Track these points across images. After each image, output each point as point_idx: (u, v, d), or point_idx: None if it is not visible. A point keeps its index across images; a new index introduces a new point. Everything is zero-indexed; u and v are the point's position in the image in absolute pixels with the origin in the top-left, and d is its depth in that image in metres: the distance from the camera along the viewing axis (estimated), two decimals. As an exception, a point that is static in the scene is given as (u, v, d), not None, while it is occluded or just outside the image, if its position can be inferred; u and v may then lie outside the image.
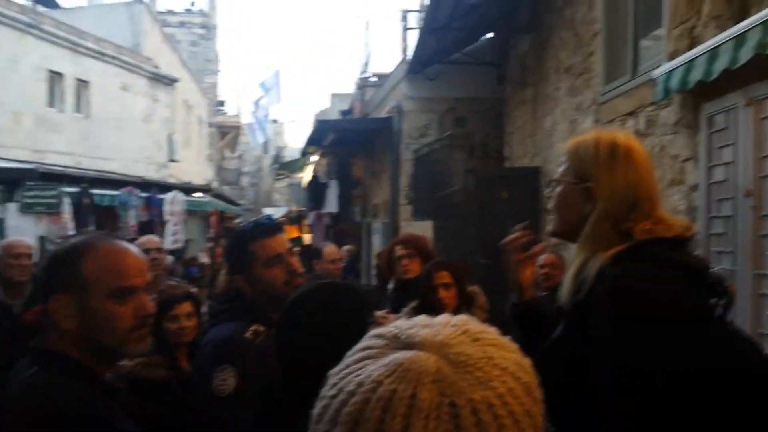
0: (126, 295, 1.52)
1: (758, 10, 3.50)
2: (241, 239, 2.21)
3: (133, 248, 1.61)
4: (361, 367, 0.69)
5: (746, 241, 3.54)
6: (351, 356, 0.73)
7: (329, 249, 4.97)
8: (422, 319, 0.76)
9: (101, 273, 1.50)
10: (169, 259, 8.35)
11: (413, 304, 3.30)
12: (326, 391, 0.70)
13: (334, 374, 0.72)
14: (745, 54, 3.31)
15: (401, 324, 0.75)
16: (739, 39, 3.41)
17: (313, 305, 1.44)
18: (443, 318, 0.75)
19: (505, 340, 0.74)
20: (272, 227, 2.21)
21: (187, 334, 3.00)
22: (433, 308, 3.14)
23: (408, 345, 0.70)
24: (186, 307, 3.08)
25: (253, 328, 1.98)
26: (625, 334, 1.35)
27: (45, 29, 13.73)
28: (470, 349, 0.70)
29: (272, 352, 1.76)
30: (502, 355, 0.71)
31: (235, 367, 1.87)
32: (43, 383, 1.44)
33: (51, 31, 13.93)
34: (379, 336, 0.74)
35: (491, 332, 0.74)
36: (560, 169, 1.68)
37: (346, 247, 11.48)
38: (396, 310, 3.62)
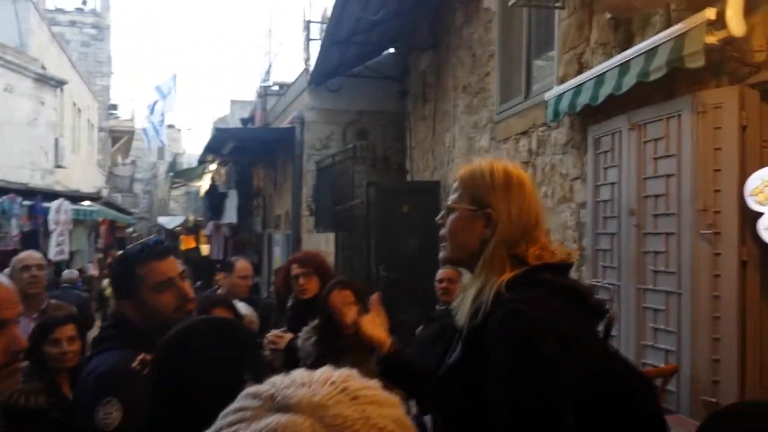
0: (4, 325, 1.40)
1: (642, 40, 3.75)
2: (128, 262, 2.08)
3: (3, 279, 1.49)
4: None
5: (630, 257, 3.75)
6: (224, 418, 0.68)
7: (241, 264, 4.85)
8: (301, 374, 0.72)
9: None
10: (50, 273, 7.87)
11: (314, 323, 3.25)
12: None
13: None
14: (629, 81, 3.53)
15: (279, 381, 0.71)
16: (624, 66, 3.63)
17: (192, 342, 1.37)
18: (324, 373, 0.72)
19: (386, 396, 0.71)
20: (162, 250, 2.10)
21: (69, 359, 2.83)
22: (334, 328, 3.12)
23: (284, 407, 0.67)
24: (68, 330, 2.90)
25: (140, 357, 1.87)
26: (522, 356, 1.39)
27: None
28: (347, 410, 0.67)
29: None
30: (380, 413, 0.68)
31: (120, 400, 1.76)
32: None
33: (-77, 25, 12.89)
34: (255, 395, 0.69)
35: (372, 387, 0.72)
36: (453, 196, 1.71)
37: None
38: (293, 329, 3.56)
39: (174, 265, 2.09)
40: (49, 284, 4.81)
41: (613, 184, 3.96)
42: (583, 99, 3.99)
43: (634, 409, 1.51)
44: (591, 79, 3.97)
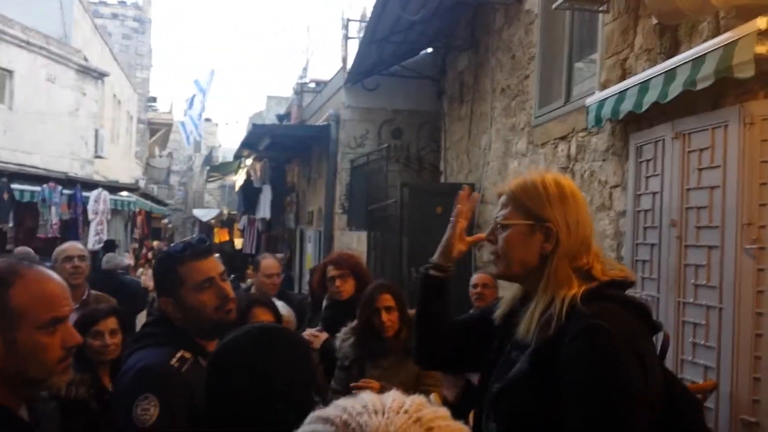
0: (55, 325, 1.45)
1: (688, 47, 3.67)
2: (170, 260, 2.11)
3: (55, 275, 1.53)
4: None
5: (670, 269, 3.68)
6: None
7: (267, 262, 4.78)
8: (371, 399, 0.72)
9: (31, 304, 1.42)
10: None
11: (352, 324, 3.27)
12: None
13: None
14: (675, 89, 3.45)
15: (350, 406, 0.71)
16: (670, 74, 3.56)
17: (245, 349, 1.38)
18: (395, 400, 0.72)
19: (458, 426, 0.71)
20: (204, 249, 2.11)
21: (110, 352, 2.88)
22: (374, 330, 3.13)
23: None
24: (110, 322, 2.96)
25: (179, 354, 1.90)
26: (604, 371, 1.40)
27: (-34, 14, 13.04)
28: None
29: (199, 381, 1.70)
30: None
31: (158, 397, 1.79)
32: None
33: (-27, 16, 13.24)
34: (326, 420, 0.69)
35: (444, 417, 0.71)
36: (502, 212, 1.68)
37: (278, 256, 11.33)
38: (328, 329, 3.59)
39: (215, 265, 2.11)
40: (92, 272, 4.87)
41: (654, 193, 3.89)
42: (627, 106, 3.92)
43: (684, 427, 1.52)
44: (635, 85, 3.89)
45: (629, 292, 1.63)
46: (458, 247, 1.86)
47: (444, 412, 0.72)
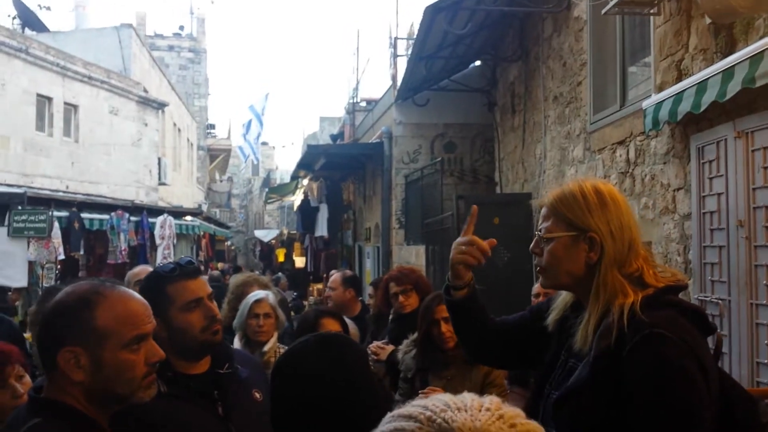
0: (139, 343, 1.52)
1: (745, 45, 3.59)
2: (159, 280, 2.08)
3: (136, 294, 1.61)
4: None
5: (740, 270, 3.58)
6: None
7: (333, 276, 5.05)
8: (450, 398, 0.74)
9: (115, 324, 1.49)
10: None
11: (413, 337, 3.30)
12: None
13: None
14: (734, 87, 3.38)
15: (430, 404, 0.73)
16: (727, 73, 3.48)
17: (308, 356, 1.41)
18: (473, 399, 0.74)
19: (535, 425, 0.73)
20: (192, 270, 2.10)
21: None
22: (434, 342, 3.15)
23: (445, 430, 0.68)
24: None
25: None
26: (668, 379, 1.40)
27: (33, 53, 13.74)
28: None
29: (155, 408, 1.67)
30: None
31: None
32: None
33: (39, 55, 13.94)
34: (410, 417, 0.71)
35: (522, 416, 0.73)
36: (545, 224, 1.67)
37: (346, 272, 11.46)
38: (394, 341, 3.64)
39: (203, 286, 2.10)
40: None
41: (719, 194, 3.80)
42: (685, 107, 3.85)
43: (740, 423, 1.51)
44: (692, 86, 3.82)
45: (688, 296, 1.62)
46: (462, 263, 1.86)
47: (520, 411, 0.74)
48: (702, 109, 3.68)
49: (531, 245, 1.72)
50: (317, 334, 1.64)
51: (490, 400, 0.74)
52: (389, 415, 0.74)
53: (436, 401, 0.74)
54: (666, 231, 4.53)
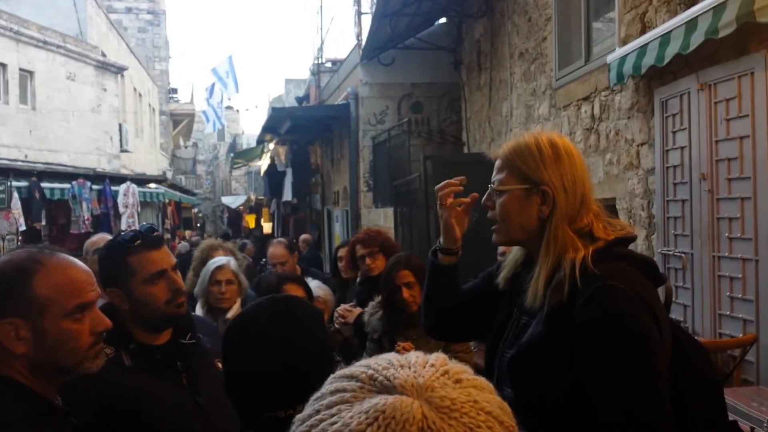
0: (82, 312, 1.45)
1: (709, -4, 3.55)
2: (120, 250, 1.95)
3: (78, 261, 1.52)
4: (335, 413, 0.63)
5: (702, 223, 3.60)
6: (320, 400, 0.66)
7: (272, 251, 4.68)
8: (394, 356, 0.71)
9: (55, 293, 1.41)
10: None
11: (378, 298, 3.28)
12: None
13: (302, 420, 0.65)
14: (697, 39, 3.35)
15: (373, 363, 0.69)
16: (691, 24, 3.45)
17: (259, 318, 1.36)
18: (419, 356, 0.71)
19: (484, 381, 0.70)
20: (156, 239, 1.99)
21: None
22: (397, 306, 3.12)
23: (387, 388, 0.65)
24: None
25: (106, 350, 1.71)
26: (622, 331, 1.38)
27: (-16, 18, 13.21)
28: (454, 393, 0.65)
29: (116, 378, 1.63)
30: (485, 397, 0.67)
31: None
32: None
33: (-9, 20, 13.40)
34: (351, 377, 0.68)
35: (469, 371, 0.70)
36: (498, 177, 1.62)
37: (303, 237, 11.39)
38: (362, 304, 3.61)
39: (167, 256, 2.00)
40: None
41: (682, 148, 3.80)
42: (648, 60, 3.82)
43: (693, 376, 1.50)
44: (656, 38, 3.79)
45: (651, 250, 1.59)
46: (459, 224, 1.79)
47: (467, 367, 0.71)
48: (666, 61, 3.65)
49: (483, 198, 1.67)
50: (272, 296, 1.59)
51: (436, 357, 0.71)
52: (332, 376, 0.71)
53: (380, 360, 0.70)
54: (630, 186, 4.54)
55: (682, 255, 3.79)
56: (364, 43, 9.78)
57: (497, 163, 1.64)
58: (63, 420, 1.45)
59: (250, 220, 26.03)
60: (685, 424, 1.45)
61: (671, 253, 3.90)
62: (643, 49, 3.93)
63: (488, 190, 1.65)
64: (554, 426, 1.45)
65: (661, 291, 1.58)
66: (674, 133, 3.91)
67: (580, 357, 1.41)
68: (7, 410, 1.35)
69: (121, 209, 13.68)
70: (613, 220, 1.60)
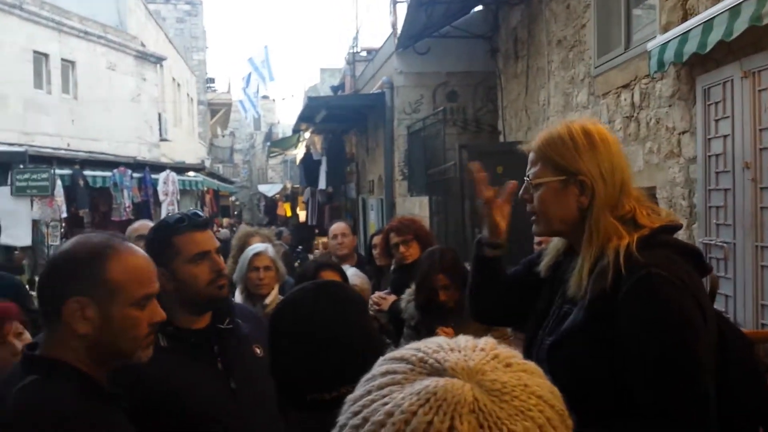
0: (147, 301, 1.49)
1: (753, -19, 3.46)
2: (167, 230, 2.03)
3: (143, 252, 1.57)
4: (386, 395, 0.64)
5: (746, 213, 3.54)
6: (371, 381, 0.68)
7: (334, 225, 4.97)
8: (444, 340, 0.72)
9: (126, 279, 1.45)
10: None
11: (414, 286, 3.29)
12: (347, 419, 0.65)
13: (354, 401, 0.67)
14: (740, 25, 3.27)
15: (423, 346, 0.70)
16: (734, 10, 3.37)
17: (303, 302, 1.39)
18: (467, 340, 0.71)
19: (534, 365, 0.71)
20: (200, 222, 2.05)
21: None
22: (434, 306, 3.12)
23: (437, 371, 0.66)
24: None
25: None
26: (667, 319, 1.38)
27: (28, 9, 13.50)
28: (505, 376, 0.66)
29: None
30: (535, 381, 0.67)
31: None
32: (47, 395, 1.38)
33: (34, 11, 13.70)
34: (402, 359, 0.69)
35: (518, 356, 0.71)
36: (533, 170, 1.61)
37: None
38: (396, 291, 3.64)
39: (211, 239, 2.06)
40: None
41: (725, 136, 3.73)
42: (690, 47, 3.74)
43: (737, 366, 1.50)
44: (698, 25, 3.71)
45: (692, 240, 1.58)
46: (501, 216, 1.79)
47: (516, 352, 0.72)
48: (708, 49, 3.58)
49: (521, 191, 1.66)
50: (315, 281, 1.62)
51: (486, 341, 0.72)
52: (382, 358, 0.72)
53: (429, 343, 0.71)
54: (671, 175, 4.47)
55: (724, 245, 3.73)
56: (399, 31, 9.76)
57: (531, 156, 1.63)
58: (115, 404, 1.49)
59: (286, 209, 26.26)
60: (728, 415, 1.44)
61: (713, 243, 3.84)
62: (684, 36, 3.85)
63: (524, 184, 1.65)
64: (592, 414, 1.45)
65: (705, 281, 1.57)
66: (717, 121, 3.83)
67: (621, 346, 1.41)
68: (62, 393, 1.39)
69: (161, 197, 13.94)
70: (657, 208, 1.59)
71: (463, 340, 0.72)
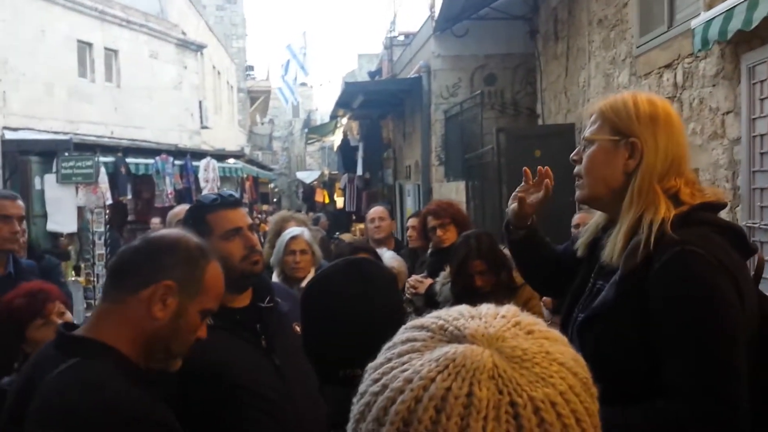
0: (207, 315, 1.55)
1: (802, -47, 3.33)
2: (200, 209, 2.12)
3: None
4: (406, 362, 0.64)
5: (791, 195, 3.43)
6: (392, 349, 0.68)
7: (372, 209, 5.04)
8: (465, 308, 0.71)
9: (212, 289, 1.52)
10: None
11: (449, 269, 3.29)
12: (367, 386, 0.65)
13: (375, 368, 0.67)
14: (790, 0, 3.16)
15: (444, 314, 0.70)
16: (783, -15, 3.26)
17: (335, 277, 1.41)
18: (489, 308, 0.71)
19: (557, 333, 0.70)
20: (232, 201, 2.13)
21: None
22: (471, 290, 3.12)
23: (457, 338, 0.65)
24: None
25: None
26: (701, 297, 1.35)
27: (72, -1, 13.77)
28: (525, 343, 0.65)
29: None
30: (557, 349, 0.66)
31: None
32: (95, 379, 1.34)
33: (78, 0, 13.96)
34: (422, 327, 0.69)
35: (542, 324, 0.70)
36: (591, 129, 1.61)
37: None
38: (433, 275, 3.64)
39: (243, 216, 2.12)
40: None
41: (771, 116, 3.61)
42: (735, 24, 3.63)
43: None
44: (743, 1, 3.59)
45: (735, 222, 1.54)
46: (520, 204, 1.87)
47: (540, 320, 0.71)
48: (753, 25, 3.46)
49: (572, 154, 1.66)
50: (346, 258, 1.63)
51: (507, 309, 0.71)
52: (403, 326, 0.73)
53: (451, 311, 0.71)
54: (714, 157, 4.36)
55: (769, 228, 3.63)
56: (437, 14, 9.67)
57: (592, 118, 1.63)
58: (157, 392, 1.47)
59: (324, 195, 26.42)
60: None
61: (757, 225, 3.74)
62: (729, 13, 3.73)
63: (579, 145, 1.65)
64: (622, 391, 1.43)
65: (751, 264, 1.53)
66: (762, 100, 3.72)
67: (652, 322, 1.39)
68: (110, 376, 1.37)
69: (202, 184, 14.13)
70: (705, 188, 1.56)
71: (485, 307, 0.71)
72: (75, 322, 2.17)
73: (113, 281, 1.50)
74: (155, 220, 10.54)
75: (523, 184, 1.87)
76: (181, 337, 1.49)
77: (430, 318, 0.70)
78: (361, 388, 0.67)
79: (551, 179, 1.84)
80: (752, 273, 1.54)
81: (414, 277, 3.85)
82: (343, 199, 19.26)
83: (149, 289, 1.43)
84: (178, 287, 1.45)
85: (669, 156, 1.50)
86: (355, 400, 0.67)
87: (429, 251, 4.10)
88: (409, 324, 0.72)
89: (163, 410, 1.42)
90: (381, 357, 0.68)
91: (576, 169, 1.64)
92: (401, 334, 0.70)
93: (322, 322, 1.37)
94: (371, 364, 0.69)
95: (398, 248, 4.77)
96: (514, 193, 1.89)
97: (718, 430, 1.31)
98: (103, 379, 1.35)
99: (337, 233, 13.77)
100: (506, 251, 3.31)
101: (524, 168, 1.91)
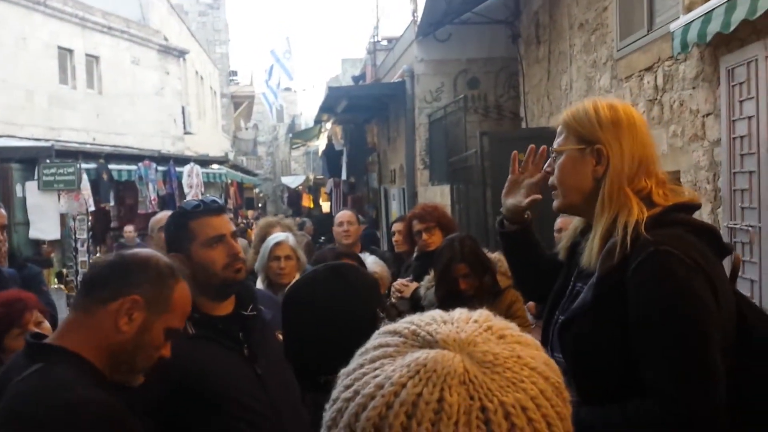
0: (172, 335, 1.55)
1: (779, -43, 3.37)
2: (183, 216, 2.08)
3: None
4: (377, 367, 0.64)
5: (770, 196, 3.46)
6: (364, 354, 0.68)
7: (339, 213, 5.00)
8: (438, 313, 0.71)
9: (179, 308, 1.54)
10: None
11: (433, 273, 3.28)
12: (339, 392, 0.65)
13: (347, 374, 0.67)
14: (765, 3, 3.20)
15: (417, 319, 0.70)
16: (760, -13, 3.29)
17: (315, 283, 1.40)
18: (462, 312, 0.71)
19: (529, 338, 0.70)
20: (215, 207, 2.10)
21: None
22: (455, 294, 3.11)
23: (428, 343, 0.65)
24: None
25: None
26: (676, 297, 1.36)
27: (51, 5, 13.64)
28: (497, 348, 0.65)
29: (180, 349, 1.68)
30: (529, 353, 0.66)
31: None
32: (58, 380, 1.36)
33: (58, 7, 13.84)
34: (394, 332, 0.68)
35: (514, 328, 0.70)
36: (557, 141, 1.64)
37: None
38: (418, 279, 3.64)
39: (227, 223, 2.09)
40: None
41: (750, 118, 3.65)
42: (714, 27, 3.67)
43: (758, 351, 1.46)
44: (721, 4, 3.63)
45: (717, 224, 1.55)
46: (513, 197, 1.88)
47: (513, 324, 0.71)
48: (732, 28, 3.50)
49: (546, 164, 1.71)
50: (327, 263, 1.62)
51: (480, 313, 0.71)
52: (377, 332, 0.72)
53: (423, 316, 0.71)
54: (695, 159, 4.39)
55: (750, 228, 3.66)
56: (419, 19, 9.70)
57: (558, 129, 1.66)
58: (120, 398, 1.47)
59: (309, 200, 26.37)
60: (747, 398, 1.41)
61: (738, 226, 3.77)
62: (708, 16, 3.77)
63: (550, 157, 1.68)
64: (601, 391, 1.44)
65: (727, 263, 1.55)
66: (741, 102, 3.75)
67: (629, 322, 1.40)
68: (71, 380, 1.38)
69: (186, 189, 14.06)
70: (678, 188, 1.58)
71: (458, 312, 0.71)
72: (56, 330, 2.14)
73: (84, 292, 1.53)
74: (128, 228, 10.43)
75: (510, 175, 1.89)
76: (144, 353, 1.50)
77: (403, 323, 0.70)
78: (334, 393, 0.67)
79: (541, 157, 1.85)
80: (729, 272, 1.56)
81: (400, 280, 3.85)
82: (329, 203, 19.24)
83: (117, 302, 1.45)
84: (146, 303, 1.47)
85: (635, 158, 1.52)
86: (327, 406, 0.66)
87: (414, 255, 4.09)
88: (383, 329, 0.71)
89: (127, 414, 1.42)
90: (354, 362, 0.68)
91: (550, 180, 1.67)
92: (374, 339, 0.70)
93: (303, 327, 1.36)
94: (344, 370, 0.69)
95: (372, 251, 4.77)
96: (504, 190, 1.90)
97: (695, 427, 1.32)
98: (66, 381, 1.36)
99: (323, 238, 13.73)
100: (490, 255, 3.32)
101: (513, 152, 1.93)
